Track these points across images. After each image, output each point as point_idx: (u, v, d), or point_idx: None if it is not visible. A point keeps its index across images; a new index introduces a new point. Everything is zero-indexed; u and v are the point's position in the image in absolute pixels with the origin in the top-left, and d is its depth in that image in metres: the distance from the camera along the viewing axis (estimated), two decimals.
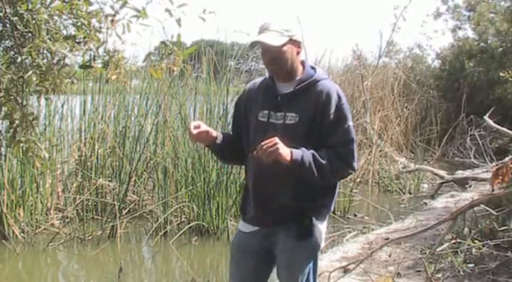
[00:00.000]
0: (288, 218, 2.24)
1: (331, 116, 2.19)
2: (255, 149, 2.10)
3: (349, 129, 2.22)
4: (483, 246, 4.18)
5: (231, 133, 2.47)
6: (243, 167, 2.49)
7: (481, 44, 11.88)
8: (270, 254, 2.33)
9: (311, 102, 2.22)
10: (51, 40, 1.97)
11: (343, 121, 2.21)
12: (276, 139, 2.07)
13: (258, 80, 2.43)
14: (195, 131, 2.20)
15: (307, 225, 2.24)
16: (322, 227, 2.28)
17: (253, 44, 2.22)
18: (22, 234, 5.33)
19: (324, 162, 2.14)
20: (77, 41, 2.06)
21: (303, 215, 2.24)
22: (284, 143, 2.09)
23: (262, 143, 2.06)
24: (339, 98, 2.22)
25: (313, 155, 2.14)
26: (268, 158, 2.06)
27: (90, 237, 5.45)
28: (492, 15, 11.64)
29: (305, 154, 2.12)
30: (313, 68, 2.31)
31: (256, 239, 2.32)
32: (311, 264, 2.29)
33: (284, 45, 2.18)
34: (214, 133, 2.28)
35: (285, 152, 2.08)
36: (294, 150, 2.11)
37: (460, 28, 12.68)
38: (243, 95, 2.42)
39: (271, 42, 2.16)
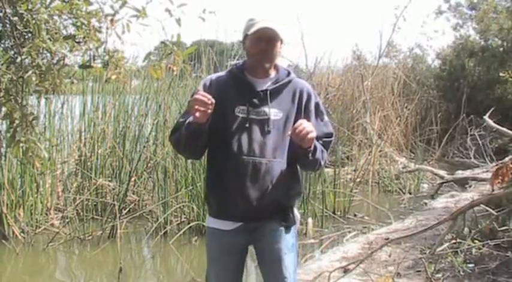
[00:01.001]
0: (276, 210, 2.29)
1: (313, 112, 2.32)
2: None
3: (328, 123, 2.39)
4: (483, 246, 4.18)
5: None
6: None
7: (482, 42, 11.87)
8: (247, 249, 2.37)
9: (293, 99, 2.30)
10: (51, 40, 1.98)
11: (322, 116, 2.37)
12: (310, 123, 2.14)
13: (221, 74, 2.41)
14: (214, 100, 2.09)
15: (292, 214, 2.33)
16: (297, 213, 2.39)
17: (259, 30, 2.20)
18: (22, 234, 5.33)
19: (321, 148, 2.29)
20: (77, 41, 2.06)
21: (289, 206, 2.33)
22: (273, 138, 2.22)
23: (302, 122, 2.12)
24: (315, 96, 2.39)
25: (317, 144, 2.25)
26: (304, 140, 2.11)
27: (90, 237, 5.45)
28: (495, 15, 11.62)
29: (315, 142, 2.22)
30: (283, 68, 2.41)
31: (241, 236, 2.29)
32: (296, 251, 2.37)
33: (281, 39, 2.26)
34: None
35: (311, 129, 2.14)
36: None
37: (461, 27, 12.67)
38: (208, 88, 2.28)
39: (279, 31, 2.21)
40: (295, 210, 2.37)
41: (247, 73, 2.31)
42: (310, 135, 2.11)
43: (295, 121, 2.25)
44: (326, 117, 2.38)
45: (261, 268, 2.37)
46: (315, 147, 2.21)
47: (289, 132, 2.14)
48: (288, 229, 2.31)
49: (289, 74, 2.35)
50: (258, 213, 2.26)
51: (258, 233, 2.29)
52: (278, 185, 2.24)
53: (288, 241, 2.31)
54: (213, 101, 2.09)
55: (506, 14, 11.12)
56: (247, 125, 2.22)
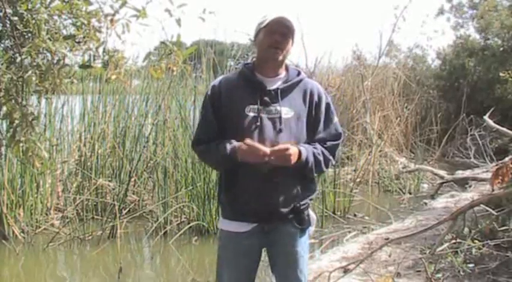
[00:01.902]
0: (290, 211, 2.28)
1: (323, 113, 2.31)
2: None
3: (337, 124, 2.38)
4: (483, 246, 4.18)
5: (210, 134, 2.30)
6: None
7: (482, 42, 11.87)
8: (260, 251, 2.36)
9: (304, 99, 2.29)
10: (51, 40, 1.98)
11: (332, 117, 2.35)
12: (290, 147, 2.15)
13: (230, 75, 2.44)
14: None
15: (307, 215, 2.32)
16: (313, 214, 2.38)
17: (274, 20, 2.21)
18: (22, 234, 5.33)
19: (320, 158, 2.25)
20: (77, 40, 2.06)
21: (304, 207, 2.31)
22: (285, 136, 2.21)
23: (276, 149, 2.13)
24: (326, 96, 2.37)
25: (314, 154, 2.23)
26: (280, 163, 2.15)
27: (90, 237, 5.45)
28: (495, 13, 11.62)
29: (309, 154, 2.21)
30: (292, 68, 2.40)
31: (256, 238, 2.28)
32: (308, 253, 2.40)
33: (294, 35, 2.27)
34: None
35: (294, 156, 2.17)
36: (301, 150, 2.19)
37: (462, 26, 12.68)
38: (217, 92, 2.30)
39: (293, 23, 2.23)
40: (311, 211, 2.36)
41: (257, 72, 2.30)
42: (287, 161, 2.14)
43: (306, 120, 2.27)
44: (336, 118, 2.37)
45: (275, 271, 2.36)
46: (306, 161, 2.19)
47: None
48: (303, 231, 2.31)
49: (299, 73, 2.34)
50: (272, 214, 2.25)
51: (273, 236, 2.28)
52: (292, 184, 2.25)
53: (303, 244, 2.32)
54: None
55: (508, 12, 11.12)
56: (258, 124, 2.21)
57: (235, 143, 2.18)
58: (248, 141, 2.14)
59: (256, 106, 2.23)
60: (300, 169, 2.21)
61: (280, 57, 2.26)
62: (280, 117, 2.22)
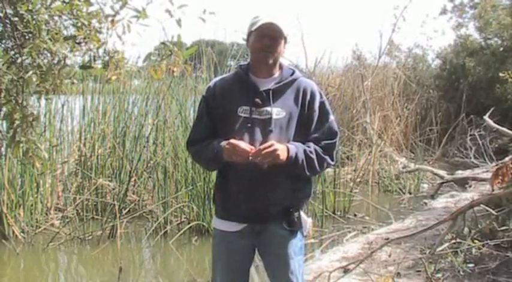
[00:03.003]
0: (281, 213, 2.27)
1: (317, 112, 2.29)
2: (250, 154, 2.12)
3: (333, 123, 2.33)
4: (483, 246, 4.18)
5: (204, 135, 2.32)
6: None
7: (482, 42, 11.87)
8: (254, 251, 2.36)
9: (296, 98, 2.28)
10: (51, 40, 1.98)
11: (327, 116, 2.32)
12: (274, 143, 2.13)
13: (226, 76, 2.44)
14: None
15: (297, 217, 2.30)
16: (305, 216, 2.36)
17: (263, 26, 2.20)
18: (22, 234, 5.33)
19: (313, 156, 2.22)
20: (77, 41, 2.06)
21: (294, 209, 2.29)
22: (276, 137, 2.19)
23: (261, 148, 2.11)
24: (320, 94, 2.34)
25: (305, 151, 2.21)
26: (267, 162, 2.13)
27: (90, 237, 5.46)
28: (495, 13, 11.62)
29: (299, 151, 2.19)
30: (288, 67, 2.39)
31: (247, 238, 2.29)
32: (302, 254, 2.36)
33: (285, 36, 2.25)
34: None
35: (283, 152, 2.14)
36: (289, 146, 2.18)
37: (462, 26, 12.69)
38: (212, 93, 2.33)
39: (283, 27, 2.21)
40: (303, 214, 2.33)
41: (251, 73, 2.31)
42: (273, 159, 2.11)
43: (298, 120, 2.25)
44: (331, 117, 2.33)
45: (267, 271, 2.38)
46: (296, 158, 2.17)
47: (250, 157, 2.12)
48: (294, 233, 2.30)
49: (293, 73, 2.33)
50: (262, 215, 2.25)
51: (264, 237, 2.28)
52: (283, 185, 2.24)
53: (295, 245, 2.30)
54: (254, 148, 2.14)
55: (505, 11, 11.12)
56: (249, 125, 2.21)
57: (222, 143, 2.18)
58: (232, 141, 2.13)
59: (248, 107, 2.23)
60: (291, 168, 2.19)
61: (271, 60, 2.25)
62: (270, 119, 2.22)
